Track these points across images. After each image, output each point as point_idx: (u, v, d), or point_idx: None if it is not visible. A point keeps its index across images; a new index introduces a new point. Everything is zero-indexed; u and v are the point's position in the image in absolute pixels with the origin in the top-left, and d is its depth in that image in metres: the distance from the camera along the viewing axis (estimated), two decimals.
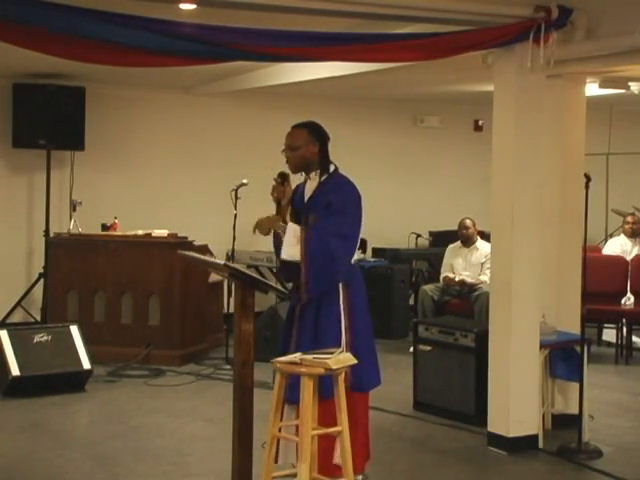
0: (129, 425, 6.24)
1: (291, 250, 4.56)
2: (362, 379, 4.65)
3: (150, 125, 9.95)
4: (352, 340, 4.62)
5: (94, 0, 4.45)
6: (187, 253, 5.08)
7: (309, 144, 4.69)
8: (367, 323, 4.79)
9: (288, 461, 4.61)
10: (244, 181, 7.86)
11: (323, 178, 4.73)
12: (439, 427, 6.26)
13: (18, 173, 9.42)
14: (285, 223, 4.60)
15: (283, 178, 4.70)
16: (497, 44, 5.46)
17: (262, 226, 4.66)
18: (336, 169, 4.78)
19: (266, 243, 5.02)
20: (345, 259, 4.64)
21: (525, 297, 5.66)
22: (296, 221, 4.67)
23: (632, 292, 8.74)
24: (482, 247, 8.88)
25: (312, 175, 4.75)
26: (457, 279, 8.77)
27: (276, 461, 4.52)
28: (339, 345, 4.52)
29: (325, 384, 4.29)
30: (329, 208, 4.59)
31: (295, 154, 4.70)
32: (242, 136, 10.07)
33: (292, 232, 4.57)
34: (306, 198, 4.75)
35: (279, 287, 4.56)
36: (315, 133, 4.75)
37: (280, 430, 4.35)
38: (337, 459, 4.52)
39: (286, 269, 4.75)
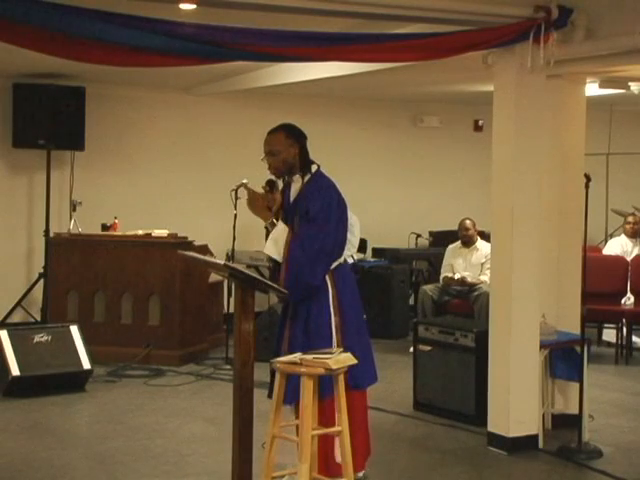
0: (129, 425, 6.24)
1: (273, 248, 4.60)
2: (356, 377, 4.65)
3: (150, 125, 9.95)
4: (344, 339, 4.62)
5: (94, 0, 4.45)
6: (187, 253, 5.07)
7: (289, 147, 4.68)
8: (359, 321, 4.80)
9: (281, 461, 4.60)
10: (244, 181, 7.83)
11: (306, 179, 4.72)
12: (439, 427, 6.26)
13: (18, 173, 9.43)
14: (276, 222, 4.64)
15: (271, 185, 4.74)
16: (497, 44, 5.46)
17: (254, 203, 4.68)
18: (318, 168, 4.76)
19: None
20: (324, 267, 4.64)
21: (525, 297, 5.66)
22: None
23: (632, 292, 8.75)
24: (482, 247, 8.88)
25: (295, 178, 4.74)
26: (456, 277, 8.78)
27: None
28: (330, 344, 4.53)
29: (324, 384, 4.30)
30: (308, 214, 4.60)
31: (276, 159, 4.68)
32: (242, 136, 10.06)
33: (280, 232, 4.59)
34: (291, 200, 4.75)
35: (279, 287, 4.55)
36: (292, 135, 4.72)
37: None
38: (338, 458, 4.53)
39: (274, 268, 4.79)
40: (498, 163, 5.78)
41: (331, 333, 4.62)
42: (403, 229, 10.67)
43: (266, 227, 4.72)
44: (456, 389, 6.39)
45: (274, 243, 4.61)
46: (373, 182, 10.77)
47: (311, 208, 4.60)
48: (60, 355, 7.11)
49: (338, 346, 4.53)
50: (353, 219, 4.97)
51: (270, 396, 4.52)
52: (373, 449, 4.94)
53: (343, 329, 4.65)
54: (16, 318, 9.20)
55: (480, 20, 5.29)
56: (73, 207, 9.15)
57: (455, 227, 9.25)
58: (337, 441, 4.49)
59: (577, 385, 5.79)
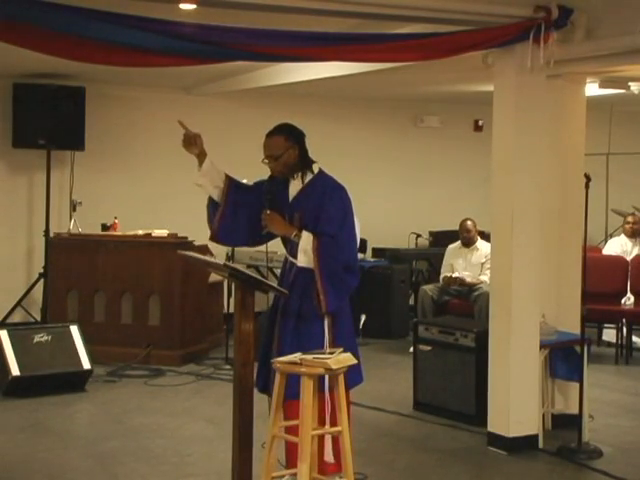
0: (129, 425, 6.24)
1: (305, 258, 4.56)
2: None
3: (150, 125, 9.94)
4: (335, 339, 4.59)
5: (94, 0, 4.45)
6: (187, 253, 5.08)
7: (288, 149, 4.66)
8: (349, 322, 4.78)
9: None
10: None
11: (308, 179, 4.71)
12: (439, 427, 6.26)
13: (18, 173, 9.43)
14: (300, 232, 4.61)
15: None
16: (497, 44, 5.46)
17: (274, 222, 4.68)
18: (320, 169, 4.75)
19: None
20: (357, 265, 4.69)
21: (525, 297, 5.66)
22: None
23: (632, 292, 8.75)
24: (482, 247, 8.88)
25: (295, 176, 4.73)
26: (454, 276, 8.78)
27: None
28: (322, 344, 4.51)
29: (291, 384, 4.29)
30: (328, 214, 4.57)
31: (277, 163, 4.68)
32: (242, 136, 10.06)
33: (306, 241, 4.57)
34: (290, 197, 4.73)
35: (279, 287, 4.54)
36: (292, 137, 4.70)
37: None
38: (327, 456, 4.53)
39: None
40: (498, 163, 5.78)
41: (323, 332, 4.60)
42: (403, 229, 10.67)
43: (291, 240, 4.66)
44: (456, 389, 6.39)
45: (305, 254, 4.57)
46: (373, 182, 10.76)
47: (330, 206, 4.58)
48: (60, 355, 7.11)
49: (330, 346, 4.52)
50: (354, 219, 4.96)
51: (257, 385, 4.51)
52: (373, 449, 4.94)
53: (335, 329, 4.63)
54: (16, 318, 9.21)
55: (480, 20, 5.29)
56: (73, 207, 9.16)
57: (455, 227, 9.25)
58: (327, 440, 4.50)
59: (577, 385, 5.79)
